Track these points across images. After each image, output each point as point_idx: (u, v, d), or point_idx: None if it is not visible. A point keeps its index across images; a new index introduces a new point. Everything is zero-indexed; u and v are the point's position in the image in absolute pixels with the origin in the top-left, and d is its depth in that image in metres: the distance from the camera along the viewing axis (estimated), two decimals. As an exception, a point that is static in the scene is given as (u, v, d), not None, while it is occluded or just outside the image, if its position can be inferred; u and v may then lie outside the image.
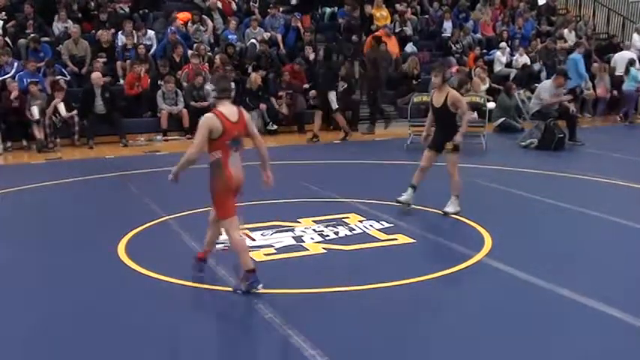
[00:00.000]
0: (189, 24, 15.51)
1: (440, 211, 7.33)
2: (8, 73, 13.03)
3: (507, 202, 8.17)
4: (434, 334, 4.52)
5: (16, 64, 13.30)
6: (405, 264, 6.03)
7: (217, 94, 5.24)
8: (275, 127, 14.10)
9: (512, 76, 16.62)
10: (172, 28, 14.95)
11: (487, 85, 15.55)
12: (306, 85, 14.65)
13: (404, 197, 7.37)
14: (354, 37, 16.37)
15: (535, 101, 12.63)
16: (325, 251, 6.13)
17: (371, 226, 6.89)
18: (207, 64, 14.51)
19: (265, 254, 6.02)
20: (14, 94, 12.32)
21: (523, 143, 12.12)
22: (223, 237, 6.50)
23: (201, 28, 15.51)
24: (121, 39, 14.60)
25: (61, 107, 12.52)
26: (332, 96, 13.01)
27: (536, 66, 17.23)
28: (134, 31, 14.76)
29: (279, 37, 15.95)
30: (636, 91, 15.84)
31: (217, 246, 6.11)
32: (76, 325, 4.67)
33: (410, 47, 16.99)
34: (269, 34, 15.92)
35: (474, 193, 8.74)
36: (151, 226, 6.90)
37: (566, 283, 5.19)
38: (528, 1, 21.00)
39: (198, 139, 5.03)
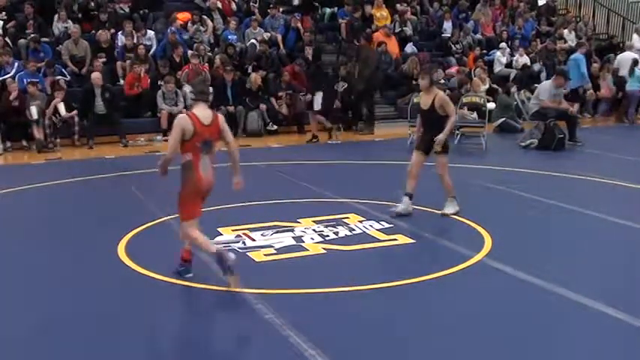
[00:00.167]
0: (189, 24, 15.51)
1: (439, 212, 7.32)
2: (8, 73, 13.03)
3: (507, 202, 8.17)
4: (434, 334, 4.52)
5: (16, 64, 13.29)
6: (405, 264, 6.04)
7: (195, 96, 5.32)
8: (275, 127, 14.10)
9: (512, 76, 16.63)
10: (172, 28, 14.96)
11: (487, 86, 15.55)
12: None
13: (401, 208, 7.24)
14: (355, 41, 16.35)
15: (534, 101, 12.64)
16: (325, 251, 6.13)
17: (371, 226, 6.89)
18: (207, 64, 14.51)
19: (265, 254, 6.03)
20: (14, 94, 12.32)
21: (523, 143, 12.12)
22: (220, 238, 6.51)
23: (201, 28, 15.51)
24: (121, 39, 14.60)
25: (61, 107, 12.52)
26: (317, 96, 13.01)
27: (536, 66, 17.23)
28: (134, 32, 14.76)
29: (279, 37, 15.95)
30: (639, 91, 15.85)
31: (216, 246, 6.10)
32: (76, 325, 4.67)
33: (410, 47, 16.99)
34: (269, 34, 15.92)
35: (474, 193, 8.75)
36: (151, 226, 6.90)
37: (566, 283, 5.19)
38: (528, 1, 21.00)
39: (171, 140, 5.15)
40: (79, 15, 15.38)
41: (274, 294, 5.10)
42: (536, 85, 14.65)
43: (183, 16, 15.67)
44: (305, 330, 4.39)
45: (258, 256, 5.97)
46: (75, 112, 12.66)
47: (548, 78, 14.73)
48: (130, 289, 5.39)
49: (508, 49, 17.53)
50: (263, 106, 14.01)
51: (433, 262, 6.01)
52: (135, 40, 14.57)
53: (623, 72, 16.27)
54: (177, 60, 14.43)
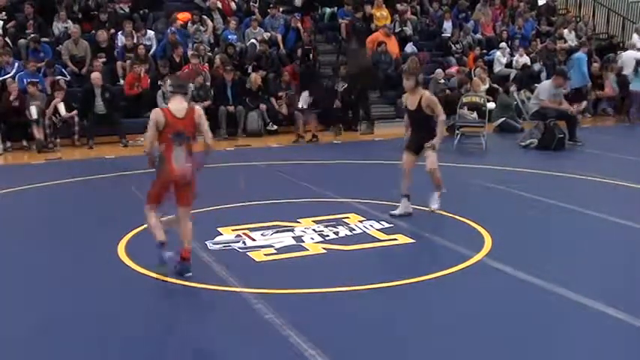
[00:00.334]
0: (189, 24, 15.50)
1: (441, 212, 7.33)
2: (9, 73, 13.03)
3: (507, 202, 8.17)
4: (434, 334, 4.52)
5: (16, 64, 13.29)
6: (405, 264, 6.04)
7: (171, 89, 5.48)
8: (275, 127, 14.10)
9: (512, 76, 16.62)
10: (172, 28, 14.96)
11: (487, 86, 15.54)
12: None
13: (400, 209, 7.22)
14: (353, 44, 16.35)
15: (534, 101, 12.64)
16: (325, 251, 6.13)
17: (371, 226, 6.89)
18: (207, 64, 14.51)
19: (265, 254, 6.02)
20: (14, 94, 12.31)
21: (523, 143, 12.12)
22: (220, 238, 6.52)
23: (201, 28, 15.50)
24: (121, 39, 14.60)
25: (61, 107, 12.52)
26: (304, 95, 13.03)
27: (536, 66, 17.22)
28: (134, 32, 14.75)
29: (279, 37, 15.95)
30: None
31: (212, 247, 6.12)
32: (76, 325, 4.67)
33: (410, 47, 16.98)
34: (269, 34, 15.91)
35: (474, 193, 8.76)
36: (151, 226, 6.88)
37: (566, 283, 5.19)
38: (528, 1, 20.98)
39: (147, 133, 5.42)
40: (79, 15, 15.37)
41: (274, 294, 5.10)
42: (536, 85, 14.64)
43: (183, 16, 15.66)
44: (305, 330, 4.39)
45: (258, 256, 5.97)
46: (75, 112, 12.66)
47: (548, 78, 14.71)
48: (130, 289, 5.39)
49: (508, 49, 17.52)
50: (263, 106, 14.01)
51: (433, 262, 6.01)
52: (135, 40, 14.57)
53: (627, 71, 16.27)
54: (177, 60, 14.42)
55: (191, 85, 5.57)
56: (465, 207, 7.43)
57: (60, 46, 14.18)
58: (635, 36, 18.29)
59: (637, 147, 12.70)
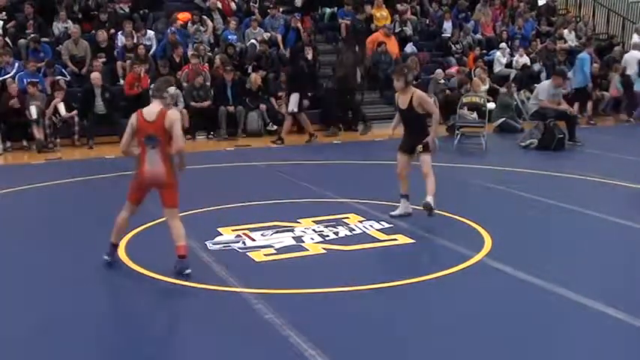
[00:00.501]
0: (189, 24, 15.51)
1: (441, 212, 7.31)
2: (8, 73, 13.02)
3: (507, 202, 8.17)
4: (434, 334, 4.52)
5: (16, 64, 13.29)
6: (405, 264, 6.05)
7: (151, 92, 5.67)
8: (275, 127, 14.09)
9: (512, 76, 16.62)
10: (172, 28, 14.96)
11: (487, 86, 15.55)
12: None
13: (400, 210, 7.20)
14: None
15: (534, 102, 12.64)
16: (325, 251, 6.13)
17: (371, 226, 6.89)
18: (207, 64, 14.51)
19: (265, 254, 6.02)
20: (13, 102, 12.22)
21: (523, 143, 12.11)
22: (220, 238, 6.52)
23: (201, 28, 15.50)
24: (121, 39, 14.60)
25: (61, 107, 12.51)
26: (293, 97, 12.94)
27: (536, 66, 17.22)
28: (134, 32, 14.75)
29: (279, 37, 15.95)
30: None
31: (212, 247, 6.12)
32: (76, 325, 4.67)
33: (410, 47, 16.98)
34: (269, 34, 15.91)
35: (474, 193, 8.76)
36: (151, 226, 6.88)
37: (566, 283, 5.19)
38: (528, 1, 20.98)
39: (124, 135, 5.56)
40: (79, 15, 15.37)
41: (274, 294, 5.10)
42: (536, 85, 14.64)
43: (183, 16, 15.66)
44: (305, 330, 4.39)
45: (258, 256, 5.97)
46: (75, 112, 12.65)
47: (548, 78, 14.70)
48: (130, 289, 5.39)
49: (508, 49, 17.51)
50: (263, 106, 14.01)
51: (433, 262, 6.01)
52: (135, 40, 14.56)
53: (630, 71, 16.27)
54: (177, 60, 14.42)
55: (172, 88, 5.60)
56: (465, 207, 7.43)
57: (60, 46, 14.17)
58: (635, 36, 18.28)
59: (637, 147, 12.68)
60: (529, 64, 17.19)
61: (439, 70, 15.41)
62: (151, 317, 4.89)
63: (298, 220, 7.04)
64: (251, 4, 17.01)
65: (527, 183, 9.04)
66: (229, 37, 15.50)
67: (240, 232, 6.65)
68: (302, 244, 6.30)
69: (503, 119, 14.26)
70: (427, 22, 18.74)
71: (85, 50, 14.04)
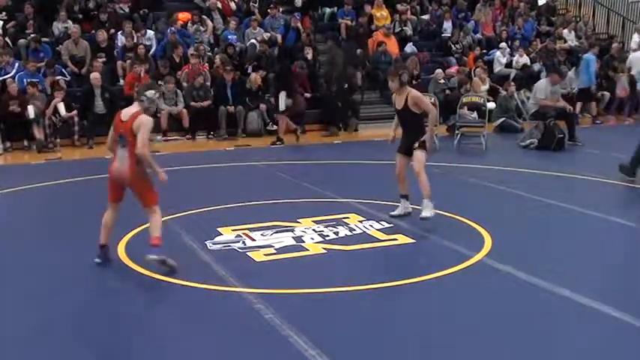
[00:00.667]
0: (189, 24, 15.51)
1: (441, 212, 7.31)
2: (8, 74, 13.02)
3: (507, 202, 8.17)
4: (434, 334, 4.52)
5: (16, 64, 13.29)
6: (405, 264, 6.05)
7: (135, 95, 5.78)
8: (275, 127, 14.08)
9: (512, 76, 16.63)
10: (172, 28, 14.96)
11: (487, 86, 15.55)
12: (307, 95, 14.58)
13: (400, 210, 7.16)
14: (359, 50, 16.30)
15: (532, 101, 12.64)
16: (325, 251, 6.13)
17: (371, 226, 6.89)
18: (207, 64, 14.51)
19: (265, 254, 6.02)
20: (14, 107, 12.20)
21: (523, 143, 12.12)
22: (220, 238, 6.52)
23: (201, 28, 15.51)
24: (121, 39, 14.60)
25: (61, 107, 12.52)
26: (282, 96, 12.94)
27: (536, 66, 17.23)
28: (134, 32, 14.75)
29: (279, 37, 15.95)
30: None
31: (212, 247, 6.11)
32: (76, 325, 4.68)
33: (410, 47, 16.97)
34: (269, 34, 15.91)
35: (474, 193, 8.76)
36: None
37: (566, 283, 5.19)
38: (528, 1, 20.98)
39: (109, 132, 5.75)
40: (79, 15, 15.37)
41: (274, 294, 5.10)
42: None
43: (183, 16, 15.66)
44: (305, 330, 4.39)
45: (258, 256, 5.97)
46: (75, 112, 12.66)
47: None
48: (131, 289, 5.39)
49: (508, 49, 17.52)
50: (263, 106, 14.01)
51: (433, 262, 6.01)
52: (135, 40, 14.57)
53: (634, 71, 16.28)
54: (177, 60, 14.43)
55: (150, 92, 5.64)
56: (465, 207, 7.43)
57: (60, 46, 14.18)
58: (635, 36, 18.28)
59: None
60: (529, 64, 17.20)
61: (439, 70, 15.41)
62: (151, 317, 4.89)
63: (298, 220, 7.04)
64: (251, 4, 17.01)
65: (527, 183, 9.04)
66: (229, 37, 15.50)
67: (240, 232, 6.65)
68: (302, 244, 6.30)
69: (503, 119, 14.27)
70: (427, 22, 18.68)
71: (85, 50, 14.05)
